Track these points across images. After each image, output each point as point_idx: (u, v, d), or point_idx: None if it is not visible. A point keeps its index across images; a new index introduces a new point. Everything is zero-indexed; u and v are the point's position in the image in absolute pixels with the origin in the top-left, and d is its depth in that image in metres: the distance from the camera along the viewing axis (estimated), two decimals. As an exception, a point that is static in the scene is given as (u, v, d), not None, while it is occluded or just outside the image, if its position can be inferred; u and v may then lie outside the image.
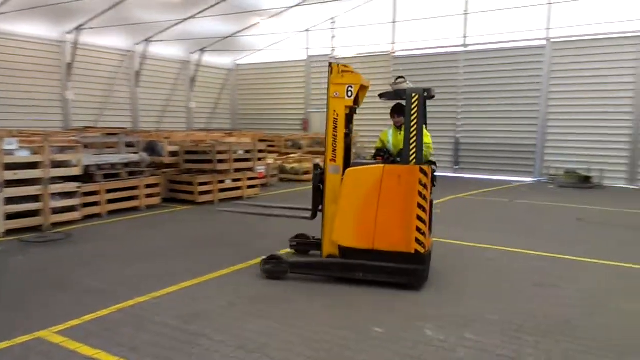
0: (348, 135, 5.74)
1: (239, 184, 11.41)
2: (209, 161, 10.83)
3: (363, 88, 5.69)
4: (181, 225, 8.79)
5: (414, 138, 5.25)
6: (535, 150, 16.03)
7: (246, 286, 5.40)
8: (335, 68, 5.52)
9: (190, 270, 5.90)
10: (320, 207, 5.79)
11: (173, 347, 3.92)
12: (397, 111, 6.03)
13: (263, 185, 12.96)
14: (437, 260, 5.93)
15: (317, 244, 6.20)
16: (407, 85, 5.62)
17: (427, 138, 5.69)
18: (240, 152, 11.45)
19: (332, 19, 19.32)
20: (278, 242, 7.18)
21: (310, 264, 5.84)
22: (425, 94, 5.38)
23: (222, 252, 6.85)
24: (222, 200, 10.96)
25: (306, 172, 14.94)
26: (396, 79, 5.78)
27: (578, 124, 15.27)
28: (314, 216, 5.96)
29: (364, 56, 18.95)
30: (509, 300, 5.10)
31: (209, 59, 20.84)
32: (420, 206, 5.15)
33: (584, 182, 14.36)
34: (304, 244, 6.65)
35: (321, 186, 5.70)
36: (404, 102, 5.46)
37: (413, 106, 5.29)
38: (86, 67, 16.98)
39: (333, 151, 5.53)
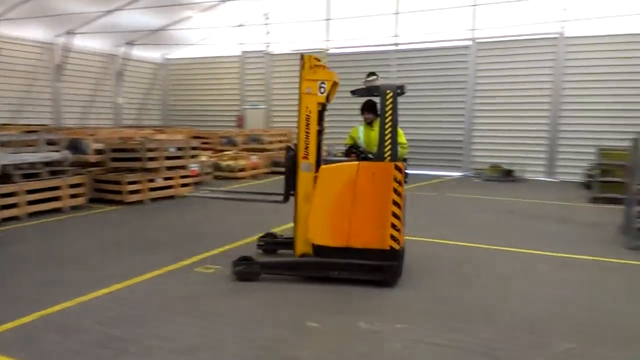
0: (320, 133, 5.65)
1: (171, 182, 11.10)
2: (139, 159, 10.46)
3: (335, 84, 5.59)
4: (108, 227, 8.44)
5: (389, 135, 5.24)
6: (463, 146, 16.74)
7: (176, 287, 5.27)
8: (307, 62, 5.37)
9: (117, 273, 5.68)
10: (292, 191, 5.66)
11: (100, 355, 3.76)
12: (367, 108, 6.03)
13: (197, 184, 12.67)
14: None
15: (286, 243, 6.11)
16: (379, 81, 5.64)
17: (402, 138, 5.72)
18: (172, 149, 11.13)
19: (266, 14, 19.19)
20: (215, 242, 7.08)
21: (283, 264, 5.67)
22: (398, 91, 5.32)
23: (151, 253, 6.64)
24: (153, 200, 10.62)
25: (242, 169, 14.79)
26: (368, 75, 5.74)
27: (501, 121, 16.10)
28: (286, 199, 5.81)
29: (299, 52, 18.91)
30: (440, 290, 5.30)
31: (138, 52, 20.08)
32: (395, 203, 5.15)
33: (507, 175, 15.19)
34: (272, 243, 6.47)
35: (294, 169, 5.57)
36: (375, 99, 5.47)
37: (387, 103, 5.27)
38: (2, 61, 15.86)
39: (305, 148, 5.42)
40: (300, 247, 5.53)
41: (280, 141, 17.61)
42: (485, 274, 5.87)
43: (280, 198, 5.87)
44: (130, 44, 19.41)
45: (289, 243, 5.94)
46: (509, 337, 4.13)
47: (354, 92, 5.64)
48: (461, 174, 16.60)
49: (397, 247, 5.18)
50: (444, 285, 5.46)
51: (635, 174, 7.30)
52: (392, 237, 5.15)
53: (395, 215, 5.17)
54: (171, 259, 6.22)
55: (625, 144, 10.69)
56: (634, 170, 7.50)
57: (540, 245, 7.22)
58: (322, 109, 5.68)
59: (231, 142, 17.33)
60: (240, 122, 20.46)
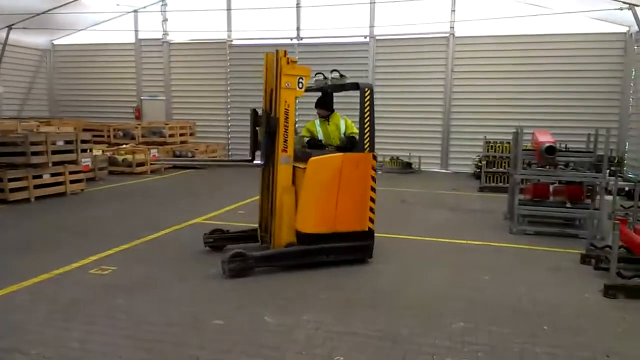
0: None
1: (59, 178, 10.29)
2: (22, 154, 9.58)
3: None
4: (-13, 228, 7.64)
5: (368, 128, 5.80)
6: (364, 139, 17.26)
7: (67, 291, 4.91)
8: (283, 57, 5.58)
9: (1, 278, 5.18)
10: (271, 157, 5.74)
11: (-25, 369, 3.41)
12: (320, 104, 6.64)
13: (90, 179, 11.88)
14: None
15: (234, 238, 6.37)
16: (344, 79, 6.41)
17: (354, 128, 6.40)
18: (60, 142, 10.32)
19: (163, 0, 18.34)
20: (111, 242, 6.69)
21: (274, 255, 5.68)
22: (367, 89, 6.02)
23: (40, 255, 6.13)
24: (39, 198, 9.79)
25: (141, 164, 14.08)
26: (315, 74, 6.23)
27: (399, 115, 16.80)
28: (266, 164, 5.82)
29: (200, 42, 18.40)
30: (337, 279, 5.43)
31: (19, 37, 18.24)
32: (372, 188, 5.83)
33: (405, 167, 15.93)
34: (220, 239, 6.36)
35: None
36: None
37: (366, 99, 5.90)
38: None
39: (284, 142, 5.60)
40: (285, 237, 5.67)
41: (182, 134, 17.03)
42: (385, 261, 6.12)
43: (251, 163, 6.14)
44: (10, 27, 17.60)
45: (236, 238, 6.36)
46: (409, 319, 4.34)
47: (322, 90, 6.35)
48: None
49: (373, 227, 5.89)
50: (343, 272, 5.61)
51: (516, 165, 7.98)
52: (370, 219, 5.85)
53: (372, 199, 5.86)
54: (61, 261, 5.78)
55: (509, 137, 11.69)
56: (515, 161, 8.19)
57: (434, 232, 7.67)
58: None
59: (128, 135, 16.44)
60: (138, 113, 19.44)
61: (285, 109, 5.58)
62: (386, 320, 4.34)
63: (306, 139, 6.51)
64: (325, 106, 6.68)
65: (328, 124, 6.62)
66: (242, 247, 5.61)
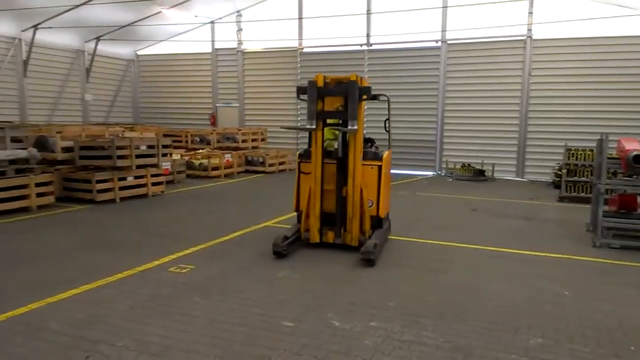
0: None
1: (142, 181, 10.92)
2: (109, 157, 10.25)
3: None
4: (78, 226, 8.25)
5: (389, 130, 7.56)
6: (435, 146, 16.96)
7: (148, 288, 5.19)
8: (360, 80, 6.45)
9: (88, 273, 5.57)
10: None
11: (69, 356, 3.68)
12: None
13: (169, 182, 12.51)
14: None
15: (292, 241, 6.59)
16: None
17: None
18: (143, 147, 10.95)
19: (238, 11, 19.02)
20: (188, 242, 7.01)
21: (380, 237, 6.59)
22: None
23: (123, 253, 6.53)
24: (123, 199, 10.43)
25: (215, 168, 14.64)
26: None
27: (472, 121, 16.36)
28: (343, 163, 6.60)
29: (272, 51, 18.90)
30: (406, 287, 5.36)
31: (106, 48, 19.62)
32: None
33: (478, 175, 15.45)
34: (290, 244, 6.47)
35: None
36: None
37: (390, 107, 7.64)
38: (-37, 54, 15.32)
39: (361, 144, 6.68)
40: (358, 225, 6.54)
41: (254, 140, 17.54)
42: (455, 271, 5.96)
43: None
44: (98, 39, 18.97)
45: (294, 240, 6.66)
46: (481, 333, 4.21)
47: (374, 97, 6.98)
48: (433, 173, 16.81)
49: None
50: (411, 280, 5.52)
51: (600, 174, 7.52)
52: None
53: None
54: (144, 259, 6.13)
55: (591, 144, 11.04)
56: (599, 170, 7.73)
57: (508, 243, 7.38)
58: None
59: (204, 141, 17.16)
60: (213, 120, 20.25)
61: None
62: (457, 332, 4.23)
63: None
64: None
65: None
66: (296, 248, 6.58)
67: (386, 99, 7.44)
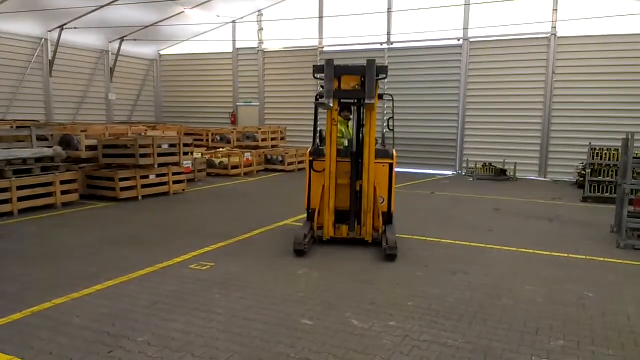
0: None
1: (164, 179, 11.07)
2: (131, 155, 10.42)
3: None
4: (100, 223, 8.41)
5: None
6: (456, 145, 16.80)
7: (170, 284, 5.27)
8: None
9: (111, 270, 5.68)
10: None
11: (92, 351, 3.76)
12: (348, 109, 7.14)
13: (190, 180, 12.66)
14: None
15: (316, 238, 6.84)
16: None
17: None
18: (165, 146, 11.10)
19: (259, 11, 19.13)
20: (209, 239, 7.09)
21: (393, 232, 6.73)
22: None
23: (145, 250, 6.64)
24: (145, 197, 10.59)
25: (235, 167, 14.76)
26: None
27: (494, 120, 16.17)
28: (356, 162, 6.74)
29: (292, 50, 18.95)
30: (425, 287, 5.34)
31: (130, 48, 19.95)
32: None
33: (499, 174, 15.26)
34: (307, 243, 6.49)
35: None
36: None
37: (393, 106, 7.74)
38: (-7, 55, 15.73)
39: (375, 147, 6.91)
40: (371, 221, 6.69)
41: (274, 139, 17.62)
42: (476, 271, 5.91)
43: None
44: (122, 39, 19.29)
45: (310, 238, 6.72)
46: (501, 335, 4.17)
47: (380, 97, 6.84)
48: (454, 172, 16.67)
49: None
50: (432, 281, 5.49)
51: (625, 174, 7.36)
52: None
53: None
54: (165, 256, 6.22)
55: (616, 144, 10.82)
56: (624, 170, 7.57)
57: (532, 243, 7.28)
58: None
59: (225, 139, 17.32)
60: (233, 119, 20.41)
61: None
62: (477, 333, 4.19)
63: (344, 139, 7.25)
64: (351, 110, 7.14)
65: (348, 125, 7.40)
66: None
67: (390, 98, 7.58)
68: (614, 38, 14.39)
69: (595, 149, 11.91)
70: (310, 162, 7.02)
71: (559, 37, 15.08)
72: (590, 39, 14.70)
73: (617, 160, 10.92)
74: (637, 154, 8.03)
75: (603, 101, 14.69)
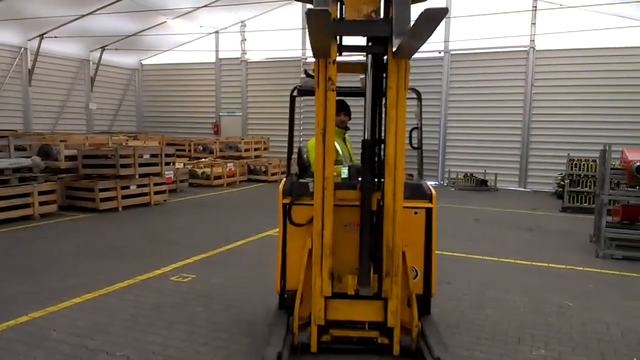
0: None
1: (145, 189, 10.95)
2: (112, 166, 10.29)
3: None
4: (80, 235, 8.26)
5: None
6: (438, 155, 16.96)
7: (147, 297, 5.19)
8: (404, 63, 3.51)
9: (90, 282, 5.57)
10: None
11: (69, 366, 3.67)
12: (345, 108, 4.56)
13: (172, 191, 12.54)
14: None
15: (296, 345, 3.81)
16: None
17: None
18: (146, 156, 10.99)
19: (242, 22, 19.16)
20: (191, 250, 7.01)
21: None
22: None
23: (125, 262, 6.53)
24: (126, 207, 10.45)
25: (218, 177, 14.68)
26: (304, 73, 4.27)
27: (475, 131, 16.37)
28: (368, 196, 3.61)
29: (275, 60, 18.99)
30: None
31: (111, 57, 19.77)
32: None
33: (480, 185, 15.44)
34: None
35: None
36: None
37: (421, 109, 4.40)
38: (-31, 63, 15.46)
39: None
40: (404, 316, 3.79)
41: (257, 149, 17.58)
42: (459, 281, 5.94)
43: None
44: (103, 48, 19.13)
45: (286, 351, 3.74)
46: (484, 345, 4.18)
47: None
48: (435, 183, 16.80)
49: None
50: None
51: (603, 185, 7.51)
52: None
53: None
54: (145, 267, 6.13)
55: (594, 155, 11.04)
56: (602, 180, 7.71)
57: (513, 253, 7.35)
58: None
59: (207, 150, 17.22)
60: (216, 129, 20.33)
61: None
62: (460, 344, 4.20)
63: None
64: (349, 112, 4.64)
65: (344, 141, 4.72)
66: None
67: (416, 96, 4.50)
68: (591, 51, 14.72)
69: (573, 160, 12.13)
70: (285, 208, 3.94)
71: (537, 50, 15.38)
72: (567, 52, 15.02)
73: (595, 171, 11.13)
74: (614, 165, 8.20)
75: (581, 113, 14.99)
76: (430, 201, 3.99)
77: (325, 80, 3.45)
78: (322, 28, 2.86)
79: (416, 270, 4.01)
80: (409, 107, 3.52)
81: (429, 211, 3.98)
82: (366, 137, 3.63)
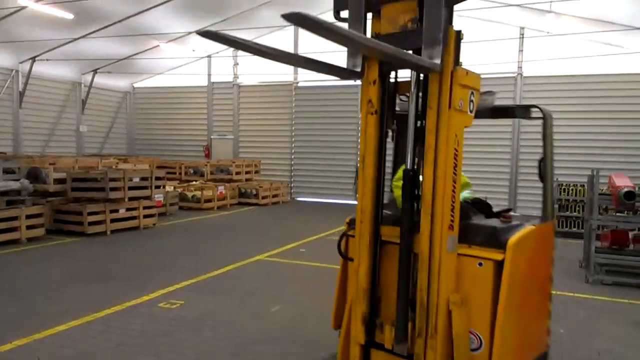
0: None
1: (134, 213, 10.85)
2: (101, 189, 10.21)
3: None
4: (67, 259, 8.14)
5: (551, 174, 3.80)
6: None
7: (134, 324, 5.10)
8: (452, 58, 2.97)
9: (76, 308, 5.47)
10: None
11: (53, 396, 3.58)
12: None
13: (162, 214, 12.43)
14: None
15: None
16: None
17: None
18: (136, 179, 10.93)
19: (234, 46, 19.35)
20: (179, 276, 6.93)
21: None
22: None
23: (112, 287, 6.43)
24: (114, 231, 10.34)
25: (208, 200, 14.60)
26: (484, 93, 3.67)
27: (465, 156, 16.37)
28: (408, 240, 3.00)
29: (267, 85, 19.15)
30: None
31: (103, 80, 19.82)
32: (550, 278, 4.27)
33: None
34: None
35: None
36: None
37: (549, 132, 3.95)
38: (-40, 85, 15.41)
39: (452, 210, 2.94)
40: None
41: (247, 172, 17.58)
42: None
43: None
44: (95, 71, 19.18)
45: None
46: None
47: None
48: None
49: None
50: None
51: (592, 210, 7.57)
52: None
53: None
54: (133, 293, 6.04)
55: (582, 179, 11.15)
56: (590, 205, 7.78)
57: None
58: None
59: (198, 172, 17.18)
60: (207, 152, 20.33)
61: (455, 149, 3.04)
62: None
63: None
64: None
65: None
66: None
67: (541, 115, 4.09)
68: (577, 78, 15.02)
69: (562, 185, 12.24)
70: (342, 239, 3.43)
71: (524, 77, 15.67)
72: (554, 78, 15.32)
73: (583, 195, 11.24)
74: (602, 190, 8.29)
75: (568, 138, 15.19)
76: (503, 250, 2.99)
77: (366, 103, 3.17)
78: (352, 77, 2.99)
79: (479, 338, 3.02)
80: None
81: (499, 265, 2.98)
82: (408, 167, 3.07)
